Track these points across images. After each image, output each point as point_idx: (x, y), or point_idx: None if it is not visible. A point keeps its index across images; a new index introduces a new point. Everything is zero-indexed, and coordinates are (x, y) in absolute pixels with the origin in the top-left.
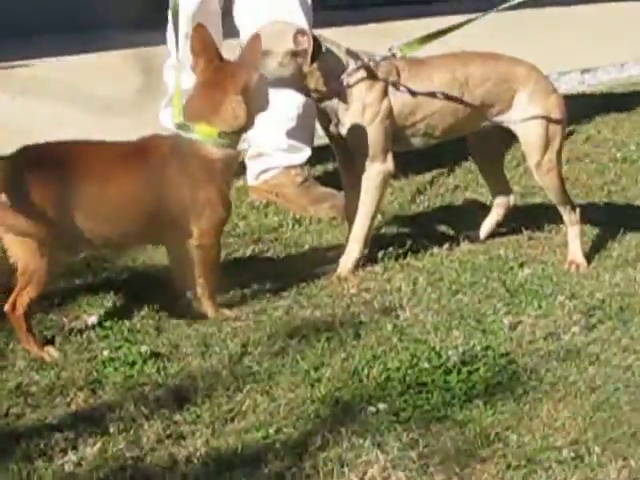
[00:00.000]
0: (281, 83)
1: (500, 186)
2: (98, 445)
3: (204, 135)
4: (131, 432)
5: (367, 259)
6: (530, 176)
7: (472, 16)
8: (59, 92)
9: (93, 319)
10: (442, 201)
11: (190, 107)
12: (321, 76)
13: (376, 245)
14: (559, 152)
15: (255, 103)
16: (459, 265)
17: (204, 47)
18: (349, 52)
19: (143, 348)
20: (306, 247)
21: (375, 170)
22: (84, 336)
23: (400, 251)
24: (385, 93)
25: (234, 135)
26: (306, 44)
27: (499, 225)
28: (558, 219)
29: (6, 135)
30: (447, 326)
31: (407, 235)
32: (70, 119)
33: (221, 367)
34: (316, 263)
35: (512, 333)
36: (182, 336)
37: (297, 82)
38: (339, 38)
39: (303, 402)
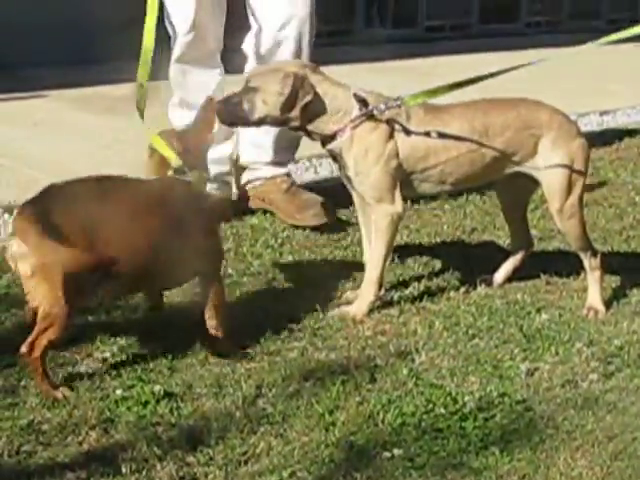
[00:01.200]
0: (273, 122)
1: (521, 232)
2: None
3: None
4: (143, 473)
5: (383, 301)
6: (548, 220)
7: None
8: None
9: (106, 357)
10: (459, 243)
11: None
12: (321, 119)
13: (392, 287)
14: (581, 197)
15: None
16: (476, 309)
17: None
18: (356, 96)
19: (156, 388)
20: (321, 288)
21: (383, 212)
22: (97, 374)
23: (416, 294)
24: (391, 135)
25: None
26: (288, 89)
27: (516, 271)
28: (576, 264)
29: None
30: (463, 371)
31: (423, 278)
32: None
33: (235, 408)
34: (332, 304)
35: (529, 379)
36: (196, 376)
37: (289, 122)
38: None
39: (317, 446)
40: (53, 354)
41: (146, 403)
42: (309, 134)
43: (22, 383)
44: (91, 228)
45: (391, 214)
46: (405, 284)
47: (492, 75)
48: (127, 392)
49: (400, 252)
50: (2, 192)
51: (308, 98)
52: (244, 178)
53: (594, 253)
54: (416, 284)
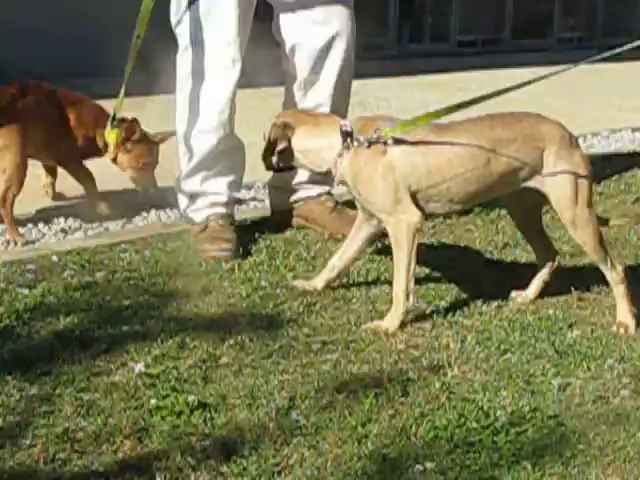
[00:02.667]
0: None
1: (542, 245)
2: None
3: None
4: None
5: (415, 315)
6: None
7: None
8: None
9: (140, 367)
10: (491, 259)
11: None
12: (311, 160)
13: (425, 302)
14: (590, 206)
15: None
16: (508, 324)
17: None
18: (342, 131)
19: (190, 398)
20: (354, 301)
21: (397, 224)
22: (131, 384)
23: (449, 308)
24: (383, 152)
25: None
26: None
27: (546, 285)
28: (608, 281)
29: None
30: (495, 386)
31: (455, 292)
32: None
33: (268, 420)
34: (365, 317)
35: (561, 395)
36: (229, 387)
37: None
38: None
39: (350, 458)
40: (87, 364)
41: (180, 413)
42: (315, 173)
43: (57, 391)
44: None
45: (407, 224)
46: (438, 298)
47: (475, 101)
48: (161, 402)
49: (432, 267)
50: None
51: (280, 147)
52: (281, 199)
53: (614, 265)
54: (448, 298)
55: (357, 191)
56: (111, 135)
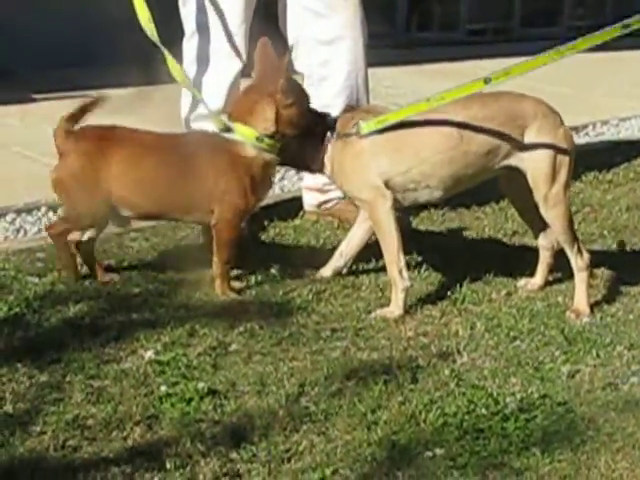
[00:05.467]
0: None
1: (539, 226)
2: None
3: (243, 136)
4: (187, 469)
5: (424, 302)
6: (588, 223)
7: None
8: None
9: (150, 354)
10: (500, 246)
11: (232, 109)
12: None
13: (433, 289)
14: (566, 186)
15: (291, 108)
16: (517, 311)
17: (264, 57)
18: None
19: (200, 385)
20: (363, 288)
21: (371, 209)
22: (141, 371)
23: (458, 295)
24: (353, 142)
25: (271, 140)
26: None
27: (551, 268)
28: (617, 267)
29: None
30: (505, 372)
31: (465, 279)
32: None
33: (278, 406)
34: (374, 305)
35: (570, 382)
36: (239, 374)
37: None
38: None
39: (360, 444)
40: (97, 351)
41: (190, 400)
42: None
43: (67, 379)
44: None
45: (380, 207)
46: (447, 286)
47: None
48: (171, 389)
49: (441, 254)
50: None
51: None
52: (314, 200)
53: (580, 251)
54: (457, 286)
55: (335, 181)
56: None
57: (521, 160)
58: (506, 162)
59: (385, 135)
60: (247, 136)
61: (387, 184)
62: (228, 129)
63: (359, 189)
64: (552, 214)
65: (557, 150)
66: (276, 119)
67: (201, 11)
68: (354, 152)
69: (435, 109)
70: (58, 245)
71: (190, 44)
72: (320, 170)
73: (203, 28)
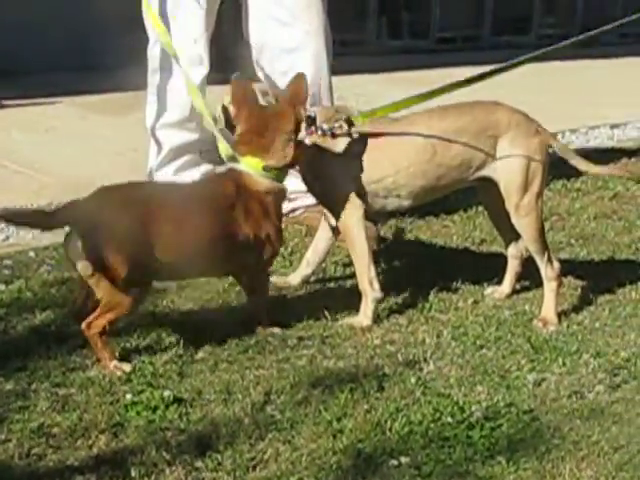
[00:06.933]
0: None
1: (511, 236)
2: None
3: (251, 167)
4: (152, 477)
5: (391, 311)
6: (556, 232)
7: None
8: None
9: (115, 362)
10: (468, 254)
11: (242, 144)
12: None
13: (400, 297)
14: (539, 195)
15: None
16: (484, 320)
17: (245, 97)
18: (306, 117)
19: (166, 393)
20: (331, 296)
21: (341, 217)
22: (106, 379)
23: (425, 304)
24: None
25: (279, 171)
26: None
27: (519, 277)
28: (584, 276)
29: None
30: (471, 381)
31: (432, 287)
32: None
33: (243, 415)
34: (341, 313)
35: (536, 390)
36: (205, 382)
37: None
38: None
39: (325, 453)
40: (63, 359)
41: (155, 408)
42: None
43: (33, 387)
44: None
45: (350, 216)
46: (414, 294)
47: (430, 95)
48: (137, 397)
49: (409, 262)
50: (15, 198)
51: None
52: (286, 207)
53: (550, 260)
54: (425, 294)
55: (306, 182)
56: None
57: (494, 170)
58: (480, 173)
59: (362, 141)
60: (254, 167)
61: (357, 191)
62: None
63: (331, 194)
64: (523, 223)
65: (530, 160)
66: (294, 150)
67: (163, 18)
68: (330, 154)
69: (411, 119)
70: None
71: (153, 52)
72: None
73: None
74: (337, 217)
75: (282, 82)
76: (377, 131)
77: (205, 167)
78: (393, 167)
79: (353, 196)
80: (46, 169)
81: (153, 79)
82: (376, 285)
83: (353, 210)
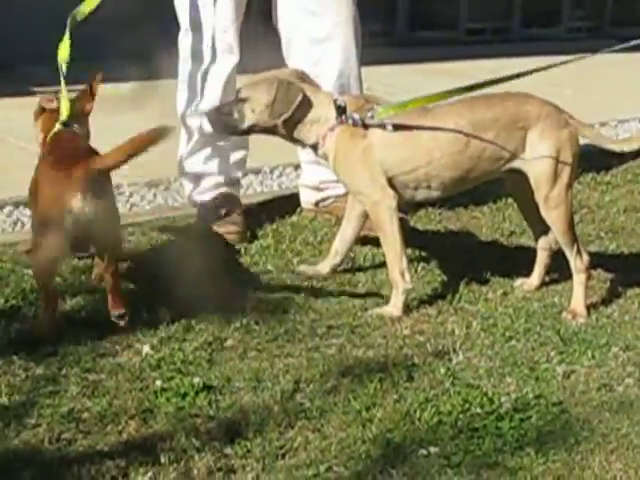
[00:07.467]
0: (262, 130)
1: (541, 228)
2: (149, 474)
3: None
4: (182, 463)
5: (421, 301)
6: (586, 224)
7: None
8: None
9: (146, 348)
10: (497, 246)
11: None
12: (304, 128)
13: (429, 288)
14: (568, 187)
15: None
16: (513, 311)
17: None
18: (336, 103)
19: (195, 380)
20: (360, 286)
21: (374, 207)
22: (136, 365)
23: (454, 294)
24: (363, 135)
25: None
26: (272, 97)
27: (549, 269)
28: (615, 268)
29: None
30: (500, 372)
31: (461, 279)
32: None
33: (273, 403)
34: (370, 303)
35: (565, 382)
36: (234, 370)
37: (277, 131)
38: None
39: (354, 442)
40: (93, 344)
41: (185, 395)
42: (297, 142)
43: (63, 372)
44: None
45: (383, 206)
46: (443, 285)
47: (470, 88)
48: (166, 384)
49: (439, 253)
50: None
51: (294, 105)
52: (311, 198)
53: (580, 253)
54: (454, 285)
55: (335, 170)
56: None
57: (524, 162)
58: (510, 165)
59: (394, 133)
60: None
61: (389, 181)
62: None
63: (359, 185)
64: (552, 215)
65: (559, 151)
66: None
67: (194, 8)
68: (363, 145)
69: (443, 110)
70: None
71: (185, 41)
72: (314, 147)
73: (196, 25)
74: (370, 208)
75: (312, 72)
76: (408, 122)
77: (236, 154)
78: (425, 158)
79: (387, 187)
80: None
81: (184, 68)
82: (407, 276)
83: (388, 201)
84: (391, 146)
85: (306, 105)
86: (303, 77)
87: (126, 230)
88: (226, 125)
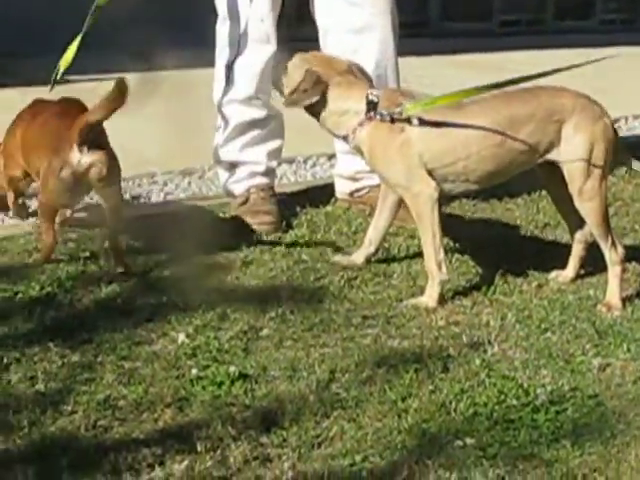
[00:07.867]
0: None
1: (575, 220)
2: (185, 462)
3: None
4: (218, 452)
5: (456, 292)
6: (620, 217)
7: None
8: None
9: (182, 337)
10: (532, 238)
11: None
12: (332, 119)
13: (464, 279)
14: (603, 179)
15: None
16: (548, 303)
17: None
18: (368, 97)
19: (231, 369)
20: (395, 276)
21: (413, 198)
22: (172, 353)
23: (489, 286)
24: (400, 130)
25: None
26: (294, 83)
27: (584, 262)
28: None
29: None
30: (535, 364)
31: (496, 270)
32: None
33: (309, 392)
34: (405, 293)
35: (601, 375)
36: (270, 359)
37: (311, 113)
38: None
39: (390, 432)
40: (129, 332)
41: (221, 383)
42: (328, 131)
43: (99, 359)
44: None
45: (423, 197)
46: (478, 276)
47: (498, 85)
48: (202, 372)
49: (473, 244)
50: None
51: (312, 99)
52: (346, 188)
53: (614, 245)
54: (489, 276)
55: (372, 164)
56: None
57: (558, 154)
58: (545, 157)
59: (432, 127)
60: None
61: (429, 174)
62: None
63: (399, 178)
64: (587, 207)
65: (594, 145)
66: None
67: None
68: (400, 140)
69: (479, 105)
70: None
71: (222, 29)
72: (345, 139)
73: (234, 13)
74: (410, 200)
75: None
76: (435, 119)
77: (271, 144)
78: (465, 151)
79: (428, 177)
80: None
81: (221, 56)
82: (444, 268)
83: (429, 191)
84: (430, 140)
85: (322, 103)
86: (353, 69)
87: (159, 219)
88: (277, 85)
